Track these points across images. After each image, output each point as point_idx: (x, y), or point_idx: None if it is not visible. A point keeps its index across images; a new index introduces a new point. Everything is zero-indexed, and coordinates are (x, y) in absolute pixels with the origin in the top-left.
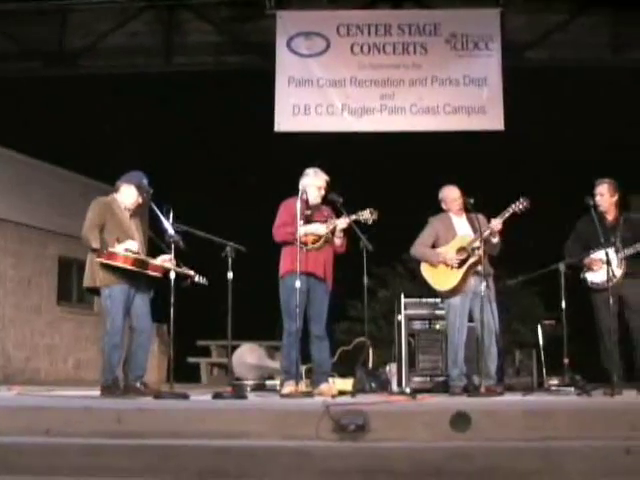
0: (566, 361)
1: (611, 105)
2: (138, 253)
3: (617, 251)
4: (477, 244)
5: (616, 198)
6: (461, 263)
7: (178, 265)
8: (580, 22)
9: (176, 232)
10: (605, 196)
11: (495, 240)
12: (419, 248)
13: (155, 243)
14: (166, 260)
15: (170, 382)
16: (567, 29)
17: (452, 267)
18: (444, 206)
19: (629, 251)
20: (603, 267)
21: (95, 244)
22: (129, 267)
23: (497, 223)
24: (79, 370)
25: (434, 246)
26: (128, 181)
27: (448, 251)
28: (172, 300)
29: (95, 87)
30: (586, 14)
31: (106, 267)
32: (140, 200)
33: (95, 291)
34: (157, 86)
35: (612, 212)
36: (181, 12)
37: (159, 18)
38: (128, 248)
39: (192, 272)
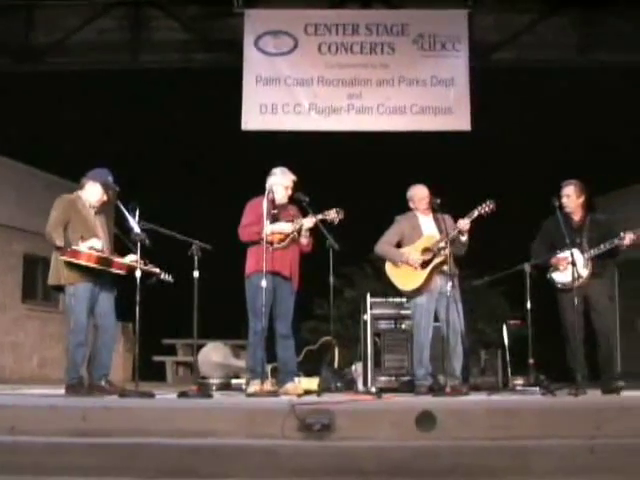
0: (531, 361)
1: (578, 106)
2: (102, 251)
3: (583, 252)
4: (443, 244)
5: (583, 199)
6: (425, 264)
7: (144, 263)
8: (547, 23)
9: (142, 230)
10: (572, 197)
11: (464, 239)
12: (383, 246)
13: (122, 241)
14: (134, 261)
15: (135, 381)
16: (534, 30)
17: (415, 267)
18: (411, 205)
19: (595, 251)
20: (569, 267)
21: (59, 242)
22: (92, 265)
23: (465, 223)
24: (44, 368)
25: (399, 245)
26: (93, 178)
27: (412, 251)
28: (138, 298)
29: (62, 83)
30: (553, 15)
31: (70, 265)
32: (105, 198)
33: (60, 289)
34: (125, 83)
35: (578, 213)
36: (149, 9)
37: (127, 15)
38: (92, 246)
39: (158, 270)
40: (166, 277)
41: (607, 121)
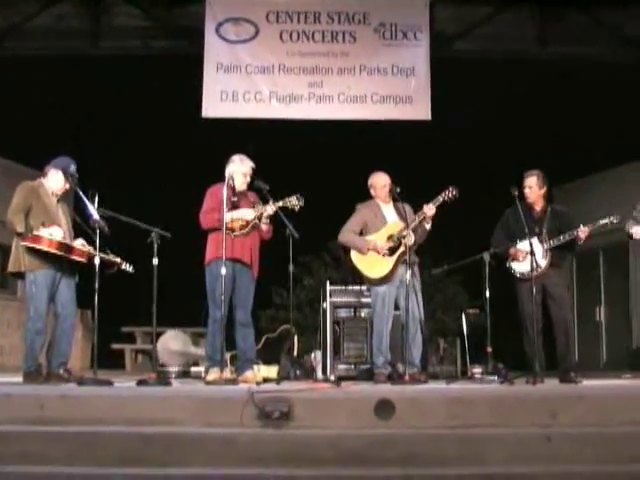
0: (489, 350)
1: (537, 97)
2: (63, 239)
3: (542, 242)
4: (405, 232)
5: (544, 190)
6: (392, 251)
7: (105, 252)
8: (507, 15)
9: (101, 217)
10: (534, 188)
11: (428, 226)
12: (347, 235)
13: (82, 229)
14: (84, 244)
15: (94, 369)
16: (495, 21)
17: (383, 255)
18: (373, 192)
19: (555, 242)
20: (528, 257)
21: (20, 228)
22: (53, 251)
23: (430, 208)
24: (1, 356)
25: (362, 233)
26: (56, 166)
27: (378, 239)
28: (96, 286)
29: (20, 69)
30: (513, 7)
31: (32, 252)
32: (67, 186)
33: (20, 276)
34: (84, 69)
35: (539, 204)
36: None
37: (86, 1)
38: (52, 233)
39: (118, 259)
40: (126, 267)
41: (565, 113)
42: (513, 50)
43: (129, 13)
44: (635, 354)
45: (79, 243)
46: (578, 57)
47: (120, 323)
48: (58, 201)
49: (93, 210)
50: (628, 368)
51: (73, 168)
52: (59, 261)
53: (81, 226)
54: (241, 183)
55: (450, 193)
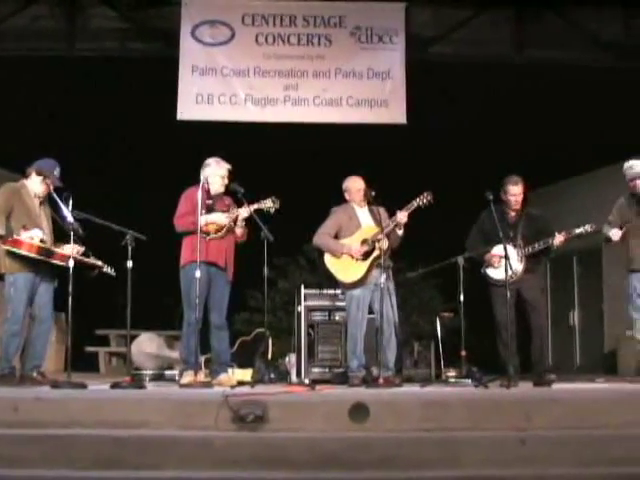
0: (463, 353)
1: (512, 102)
2: (44, 242)
3: (516, 246)
4: (379, 237)
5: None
6: (365, 255)
7: (86, 255)
8: (483, 19)
9: (75, 219)
10: (521, 196)
11: (400, 232)
12: (322, 238)
13: (65, 232)
14: (74, 249)
15: (68, 371)
16: (471, 25)
17: (357, 259)
18: (347, 196)
19: (530, 250)
20: (503, 263)
21: (1, 230)
22: (32, 255)
23: (403, 215)
24: None
25: (337, 237)
26: (39, 168)
27: (353, 243)
28: (70, 289)
29: None
30: (489, 11)
31: (12, 254)
32: (51, 188)
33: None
34: (60, 71)
35: (516, 208)
36: None
37: (62, 2)
38: (32, 236)
39: (100, 262)
40: (108, 270)
41: (541, 116)
42: (489, 54)
43: (105, 15)
44: (608, 358)
45: (69, 247)
46: (554, 61)
47: (94, 326)
48: (41, 203)
49: (67, 212)
50: (601, 371)
51: (57, 171)
52: (39, 264)
53: (64, 229)
54: (219, 186)
55: (425, 198)
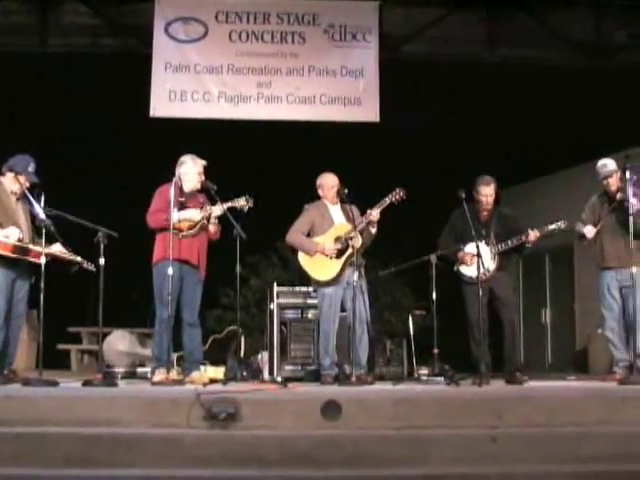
0: (436, 351)
1: (485, 100)
2: (21, 240)
3: (489, 244)
4: (352, 235)
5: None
6: (339, 253)
7: (67, 252)
8: (456, 18)
9: (47, 216)
10: (492, 196)
11: (373, 230)
12: (295, 236)
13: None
14: (61, 251)
15: (39, 369)
16: (444, 24)
17: (331, 257)
18: (321, 193)
19: (503, 247)
20: (475, 260)
21: None
22: (7, 254)
23: (376, 213)
24: None
25: (309, 234)
26: (15, 165)
27: (326, 241)
28: (42, 286)
29: None
30: (462, 10)
31: None
32: (27, 185)
33: None
34: (31, 67)
35: (488, 207)
36: None
37: None
38: (7, 235)
39: (79, 258)
40: (88, 266)
41: (514, 115)
42: (461, 53)
43: (77, 11)
44: (579, 356)
45: (55, 248)
46: (526, 60)
47: (66, 323)
48: (18, 199)
49: (39, 209)
50: (573, 369)
51: (32, 167)
52: (17, 262)
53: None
54: (195, 183)
55: (397, 195)
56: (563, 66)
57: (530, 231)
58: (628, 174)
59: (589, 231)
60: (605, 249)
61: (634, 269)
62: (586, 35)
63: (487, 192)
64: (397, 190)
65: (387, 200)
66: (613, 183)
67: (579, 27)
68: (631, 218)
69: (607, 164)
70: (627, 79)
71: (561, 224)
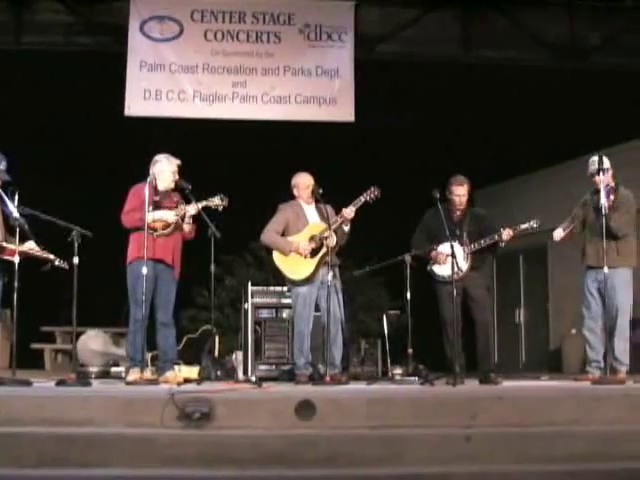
0: (410, 351)
1: (460, 100)
2: None
3: (462, 244)
4: (327, 234)
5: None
6: (314, 252)
7: (40, 249)
8: (430, 18)
9: (21, 215)
10: (466, 196)
11: (347, 228)
12: (270, 235)
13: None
14: (33, 248)
15: (12, 368)
16: (419, 24)
17: (305, 256)
18: (296, 192)
19: (476, 246)
20: (449, 260)
21: None
22: None
23: (350, 211)
24: None
25: (284, 234)
26: None
27: (301, 240)
28: (15, 285)
29: None
30: (437, 11)
31: None
32: (0, 183)
33: None
34: (6, 64)
35: (461, 207)
36: None
37: None
38: None
39: (52, 256)
40: (61, 263)
41: (488, 116)
42: (437, 53)
43: (52, 8)
44: (553, 355)
45: (28, 246)
46: (501, 60)
47: (40, 322)
48: None
49: (13, 208)
50: (546, 369)
51: (4, 164)
52: None
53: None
54: (169, 182)
55: (372, 193)
56: (537, 67)
57: (502, 231)
58: (601, 175)
59: (558, 234)
60: (586, 248)
61: (606, 270)
62: (560, 36)
63: (460, 192)
64: (372, 189)
65: (362, 199)
66: (605, 180)
67: (553, 28)
68: (604, 219)
69: (595, 161)
70: (601, 80)
71: (533, 223)
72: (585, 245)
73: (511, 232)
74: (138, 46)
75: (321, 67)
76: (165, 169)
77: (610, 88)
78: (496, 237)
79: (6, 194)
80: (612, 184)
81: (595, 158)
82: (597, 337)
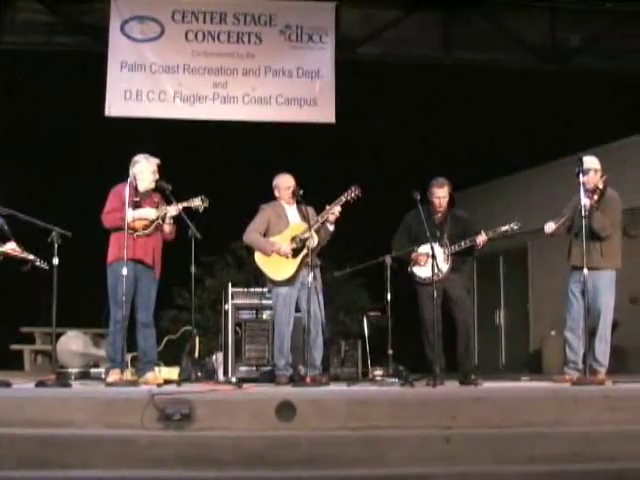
0: (390, 352)
1: (442, 102)
2: None
3: (443, 246)
4: (307, 235)
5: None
6: (295, 253)
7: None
8: (412, 20)
9: (0, 216)
10: (446, 199)
11: (331, 228)
12: (252, 235)
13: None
14: (15, 249)
15: None
16: (399, 26)
17: (287, 257)
18: (277, 193)
19: (456, 248)
20: (429, 262)
21: None
22: None
23: (336, 210)
24: None
25: (265, 234)
26: None
27: (282, 241)
28: None
29: None
30: (418, 12)
31: None
32: None
33: None
34: None
35: (442, 208)
36: None
37: None
38: None
39: (32, 257)
40: (41, 264)
41: (470, 117)
42: (418, 54)
43: (33, 8)
44: (533, 357)
45: (9, 247)
46: (482, 62)
47: (19, 323)
48: None
49: None
50: (526, 370)
51: None
52: None
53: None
54: (149, 182)
55: (353, 193)
56: (519, 68)
57: (483, 232)
58: (581, 177)
59: (549, 227)
60: (571, 248)
61: (586, 271)
62: (541, 38)
63: (440, 194)
64: (352, 188)
65: (343, 198)
66: (588, 181)
67: (534, 30)
68: (584, 220)
69: (585, 161)
70: (582, 82)
71: (514, 225)
72: (571, 245)
73: (485, 237)
74: (119, 46)
75: (302, 68)
76: (145, 169)
77: (591, 89)
78: (475, 239)
79: None
80: (600, 185)
81: (585, 158)
82: (578, 338)
